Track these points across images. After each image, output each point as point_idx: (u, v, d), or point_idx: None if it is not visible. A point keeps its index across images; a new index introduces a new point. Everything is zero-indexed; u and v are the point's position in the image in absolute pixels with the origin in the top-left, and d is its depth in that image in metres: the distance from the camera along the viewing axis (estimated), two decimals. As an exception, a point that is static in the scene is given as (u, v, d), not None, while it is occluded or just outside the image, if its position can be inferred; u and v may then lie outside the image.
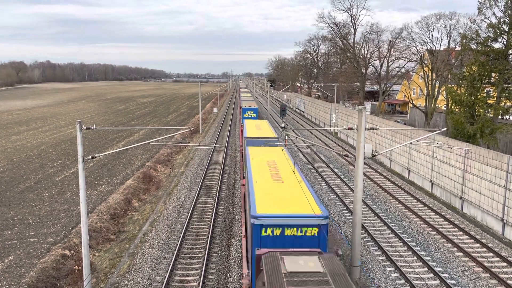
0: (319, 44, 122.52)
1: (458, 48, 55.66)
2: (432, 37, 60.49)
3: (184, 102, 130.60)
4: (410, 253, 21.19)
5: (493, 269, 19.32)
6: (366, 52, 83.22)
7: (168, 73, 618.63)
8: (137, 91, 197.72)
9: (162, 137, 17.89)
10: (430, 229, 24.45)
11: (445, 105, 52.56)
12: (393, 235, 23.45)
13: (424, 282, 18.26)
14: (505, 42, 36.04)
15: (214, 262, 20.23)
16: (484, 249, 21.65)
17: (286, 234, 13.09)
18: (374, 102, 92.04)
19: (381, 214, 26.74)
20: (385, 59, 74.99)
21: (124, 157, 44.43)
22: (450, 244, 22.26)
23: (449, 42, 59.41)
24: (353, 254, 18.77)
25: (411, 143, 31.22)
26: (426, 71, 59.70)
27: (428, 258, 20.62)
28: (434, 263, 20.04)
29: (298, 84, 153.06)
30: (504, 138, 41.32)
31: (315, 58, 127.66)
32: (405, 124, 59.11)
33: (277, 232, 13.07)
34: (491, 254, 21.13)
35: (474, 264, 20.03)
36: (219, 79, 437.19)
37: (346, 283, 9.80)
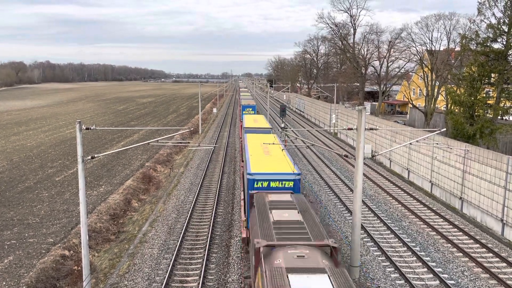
0: (318, 44, 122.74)
1: (457, 48, 55.72)
2: (431, 38, 60.61)
3: (183, 102, 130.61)
4: (410, 253, 21.19)
5: (492, 270, 19.32)
6: (365, 53, 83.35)
7: (168, 73, 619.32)
8: (136, 91, 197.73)
9: (162, 138, 17.90)
10: (430, 229, 24.45)
11: (445, 106, 52.58)
12: (393, 236, 23.45)
13: (423, 283, 18.26)
14: (504, 43, 36.07)
15: (213, 262, 20.22)
16: (484, 250, 21.65)
17: (271, 185, 18.71)
18: (373, 103, 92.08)
19: (381, 215, 26.74)
20: (385, 59, 75.09)
21: (123, 157, 44.42)
22: (449, 245, 22.26)
23: (448, 42, 59.51)
24: (353, 254, 18.77)
25: (410, 144, 31.20)
26: (425, 72, 59.73)
27: (428, 258, 20.63)
28: (434, 264, 20.04)
29: (297, 84, 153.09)
30: (504, 138, 41.34)
31: (315, 59, 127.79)
32: (404, 124, 59.13)
33: (265, 184, 18.73)
34: (490, 254, 21.13)
35: (474, 264, 20.03)
36: (218, 80, 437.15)
37: (306, 207, 15.89)
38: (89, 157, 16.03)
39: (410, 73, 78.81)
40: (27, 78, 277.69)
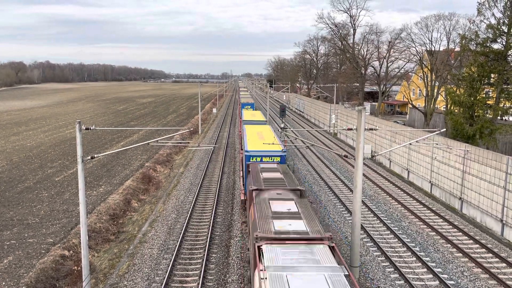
0: (318, 44, 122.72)
1: (457, 49, 55.72)
2: (431, 38, 60.58)
3: (183, 102, 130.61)
4: (410, 253, 21.20)
5: (492, 270, 19.33)
6: (365, 53, 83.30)
7: (168, 73, 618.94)
8: (136, 92, 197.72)
9: (162, 138, 17.90)
10: (430, 229, 24.46)
11: (445, 106, 52.59)
12: (393, 236, 23.46)
13: (423, 283, 18.27)
14: (504, 43, 36.07)
15: (213, 262, 20.23)
16: (484, 250, 21.66)
17: (263, 160, 24.68)
18: (373, 103, 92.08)
19: (381, 215, 26.75)
20: (385, 59, 75.07)
21: (123, 157, 44.42)
22: (449, 245, 22.27)
23: (448, 42, 59.48)
24: (353, 255, 18.78)
25: (410, 144, 31.25)
26: (425, 72, 59.74)
27: (428, 258, 20.63)
28: (434, 264, 20.05)
29: (297, 84, 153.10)
30: (503, 138, 41.35)
31: (315, 59, 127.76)
32: (404, 124, 59.15)
33: (258, 159, 24.68)
34: (490, 254, 21.14)
35: (474, 264, 20.04)
36: (218, 80, 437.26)
37: (287, 171, 21.75)
38: (89, 157, 16.03)
39: (410, 74, 78.79)
40: (26, 78, 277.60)
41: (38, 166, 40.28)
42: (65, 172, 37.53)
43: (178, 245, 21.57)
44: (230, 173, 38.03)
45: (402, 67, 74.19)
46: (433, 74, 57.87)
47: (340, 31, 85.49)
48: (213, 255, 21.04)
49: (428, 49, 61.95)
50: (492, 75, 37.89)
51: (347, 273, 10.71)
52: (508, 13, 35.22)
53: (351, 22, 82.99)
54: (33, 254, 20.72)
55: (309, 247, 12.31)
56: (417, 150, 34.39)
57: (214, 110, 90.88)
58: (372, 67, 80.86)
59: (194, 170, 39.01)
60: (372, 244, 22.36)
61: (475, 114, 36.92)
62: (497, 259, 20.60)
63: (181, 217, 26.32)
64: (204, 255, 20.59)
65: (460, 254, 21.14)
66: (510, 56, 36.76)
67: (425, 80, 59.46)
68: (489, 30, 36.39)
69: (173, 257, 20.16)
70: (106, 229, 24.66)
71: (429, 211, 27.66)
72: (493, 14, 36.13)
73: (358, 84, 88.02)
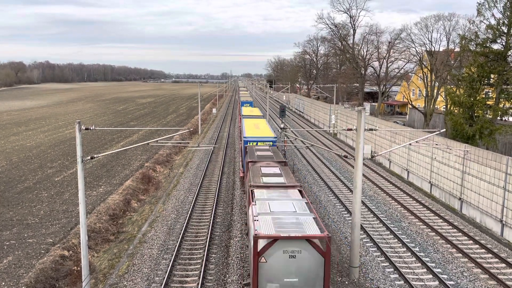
0: (318, 45, 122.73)
1: (457, 49, 55.73)
2: (431, 38, 60.60)
3: (183, 102, 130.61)
4: (409, 254, 21.20)
5: (492, 270, 19.33)
6: (365, 53, 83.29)
7: (168, 73, 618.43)
8: (136, 92, 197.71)
9: (161, 138, 17.91)
10: (429, 230, 24.46)
11: (444, 106, 52.60)
12: (392, 236, 23.46)
13: (423, 283, 18.27)
14: (504, 43, 36.06)
15: (213, 263, 20.22)
16: (483, 250, 21.66)
17: (258, 145, 30.71)
18: (373, 103, 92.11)
19: (380, 215, 26.75)
20: (384, 60, 75.07)
21: (123, 157, 44.42)
22: (449, 245, 22.27)
23: (448, 43, 59.51)
24: (352, 255, 18.78)
25: (410, 144, 31.19)
26: (425, 72, 59.75)
27: (427, 259, 20.63)
28: (433, 264, 20.05)
29: (297, 85, 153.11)
30: (503, 139, 41.36)
31: (315, 59, 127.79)
32: (404, 125, 59.14)
33: (254, 144, 30.86)
34: (490, 255, 21.14)
35: (473, 265, 20.04)
36: (218, 80, 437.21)
37: (276, 151, 27.25)
38: (89, 158, 16.03)
39: (410, 74, 78.80)
40: (26, 78, 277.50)
41: (37, 166, 40.26)
42: (64, 172, 37.52)
43: (177, 245, 21.57)
44: (230, 173, 38.02)
45: (402, 68, 74.23)
46: (433, 75, 57.87)
47: (340, 32, 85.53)
48: (213, 255, 21.04)
49: (428, 49, 61.96)
50: (492, 76, 37.87)
51: (307, 201, 16.88)
52: (508, 13, 35.21)
53: (351, 22, 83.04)
54: (33, 254, 20.71)
55: (285, 190, 18.48)
56: (417, 151, 34.39)
57: (214, 110, 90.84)
58: (372, 67, 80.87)
59: (194, 170, 39.00)
60: (372, 244, 22.36)
61: (475, 114, 36.91)
62: (496, 260, 20.60)
63: (181, 217, 26.32)
64: (203, 255, 20.59)
65: (460, 255, 21.14)
66: (509, 57, 36.73)
67: (425, 81, 59.47)
68: (488, 30, 36.38)
69: (173, 257, 20.16)
70: (106, 229, 24.65)
71: (428, 212, 27.66)
72: (492, 15, 36.12)
73: (358, 85, 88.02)
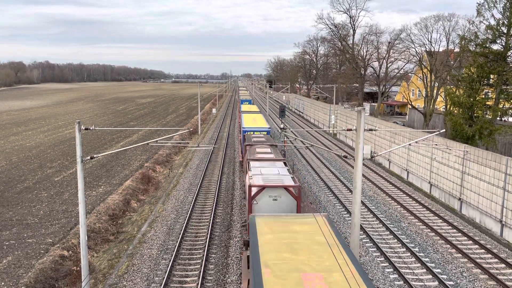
0: (318, 45, 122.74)
1: (457, 49, 55.75)
2: (431, 39, 60.61)
3: (183, 102, 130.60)
4: (409, 254, 21.21)
5: (491, 271, 19.34)
6: (365, 53, 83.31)
7: (167, 73, 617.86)
8: (136, 92, 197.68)
9: (161, 138, 17.90)
10: (429, 230, 24.47)
11: (444, 107, 52.61)
12: (392, 236, 23.46)
13: (422, 283, 18.28)
14: (503, 44, 36.08)
15: (212, 263, 20.22)
16: (483, 251, 21.68)
17: (255, 134, 35.16)
18: (373, 103, 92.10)
19: (380, 215, 26.76)
20: (384, 60, 75.10)
21: (123, 157, 44.41)
22: (448, 245, 22.28)
23: (448, 43, 59.53)
24: (352, 255, 18.77)
25: (410, 145, 31.20)
26: (425, 73, 59.77)
27: (427, 259, 20.64)
28: (433, 264, 20.06)
29: (297, 85, 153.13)
30: (503, 139, 41.38)
31: (314, 59, 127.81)
32: (404, 125, 59.15)
33: (252, 133, 35.51)
34: (489, 255, 21.15)
35: (473, 265, 20.05)
36: (218, 80, 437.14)
37: (270, 139, 32.29)
38: (88, 158, 16.03)
39: (409, 74, 78.82)
40: (26, 78, 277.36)
41: (37, 166, 40.25)
42: (64, 172, 37.51)
43: (177, 245, 21.57)
44: (230, 173, 38.02)
45: (401, 68, 74.27)
46: (433, 75, 57.89)
47: (340, 32, 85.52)
48: (213, 255, 21.04)
49: (427, 49, 61.98)
50: (492, 76, 37.90)
51: (288, 168, 22.57)
52: (508, 14, 35.23)
53: (350, 22, 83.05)
54: (32, 254, 20.71)
55: (273, 162, 23.88)
56: (417, 151, 34.40)
57: (214, 111, 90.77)
58: (372, 67, 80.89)
59: (193, 170, 39.00)
60: (372, 244, 22.37)
61: (475, 114, 36.93)
62: (496, 260, 20.61)
63: (181, 217, 26.32)
64: (203, 255, 20.59)
65: (460, 255, 21.15)
66: (509, 57, 36.76)
67: (425, 81, 59.49)
68: (488, 31, 36.40)
69: (173, 257, 20.16)
70: (106, 229, 24.65)
71: (428, 212, 27.66)
72: (492, 15, 36.14)
73: (357, 85, 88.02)
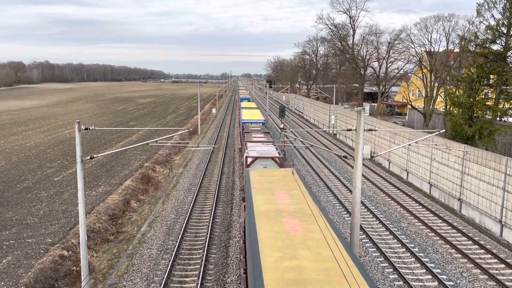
0: (318, 45, 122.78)
1: (456, 50, 55.75)
2: (430, 39, 60.61)
3: (183, 102, 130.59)
4: (409, 254, 21.21)
5: (491, 271, 19.35)
6: (365, 54, 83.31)
7: (167, 73, 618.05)
8: (136, 92, 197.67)
9: (161, 138, 17.89)
10: (429, 230, 24.47)
11: (444, 107, 52.61)
12: (392, 237, 23.47)
13: (422, 284, 18.28)
14: (503, 44, 36.09)
15: (212, 263, 20.22)
16: (483, 251, 21.68)
17: (252, 125, 40.98)
18: (373, 104, 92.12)
19: (380, 216, 26.76)
20: (384, 60, 75.10)
21: (122, 157, 44.41)
22: (448, 246, 22.29)
23: (447, 43, 59.53)
24: (352, 256, 18.75)
25: (409, 145, 31.19)
26: (424, 73, 59.78)
27: (427, 259, 20.64)
28: (433, 265, 20.06)
29: (297, 85, 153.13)
30: (503, 139, 41.39)
31: (314, 59, 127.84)
32: (403, 125, 59.16)
33: (249, 125, 41.22)
34: (489, 255, 21.15)
35: (473, 265, 20.05)
36: (218, 80, 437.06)
37: (265, 129, 37.58)
38: (88, 157, 16.03)
39: (409, 74, 78.82)
40: (26, 78, 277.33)
41: (37, 166, 40.25)
42: (64, 172, 37.51)
43: (177, 245, 21.57)
44: (230, 173, 38.02)
45: (401, 68, 74.28)
46: (433, 75, 57.91)
47: (340, 32, 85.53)
48: (212, 255, 21.04)
49: (427, 50, 61.98)
50: (491, 76, 37.92)
51: (277, 147, 27.52)
52: (508, 14, 35.25)
53: (350, 23, 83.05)
54: (32, 254, 20.70)
55: (265, 143, 29.16)
56: (416, 151, 34.41)
57: (214, 111, 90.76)
58: (372, 67, 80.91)
59: (193, 170, 39.00)
60: (371, 244, 22.37)
61: (474, 115, 36.95)
62: (496, 260, 20.61)
63: (180, 217, 26.32)
64: (203, 255, 20.59)
65: (459, 255, 21.15)
66: (509, 57, 36.77)
67: (425, 81, 59.50)
68: (488, 31, 36.42)
69: (172, 257, 20.16)
70: (105, 229, 24.64)
71: (428, 212, 27.67)
72: (492, 15, 36.15)
73: (357, 85, 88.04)
